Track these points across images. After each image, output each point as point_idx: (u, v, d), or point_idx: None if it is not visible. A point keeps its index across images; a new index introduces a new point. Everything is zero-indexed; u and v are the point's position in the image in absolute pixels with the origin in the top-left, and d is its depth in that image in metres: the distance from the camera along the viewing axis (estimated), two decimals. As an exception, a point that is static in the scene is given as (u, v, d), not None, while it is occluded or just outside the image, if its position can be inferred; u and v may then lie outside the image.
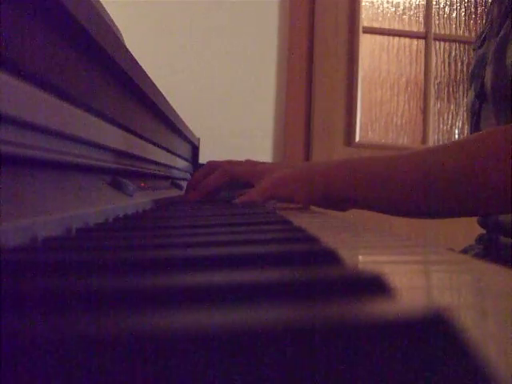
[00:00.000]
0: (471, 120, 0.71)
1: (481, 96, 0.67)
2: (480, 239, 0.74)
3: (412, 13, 1.88)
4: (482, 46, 0.72)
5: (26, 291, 0.13)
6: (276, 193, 0.59)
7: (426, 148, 0.57)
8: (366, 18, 1.83)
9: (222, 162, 0.73)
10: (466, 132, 1.87)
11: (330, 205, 0.60)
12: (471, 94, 0.73)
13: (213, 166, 0.72)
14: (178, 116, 0.94)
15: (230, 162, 0.72)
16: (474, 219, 0.75)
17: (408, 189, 0.52)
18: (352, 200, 0.57)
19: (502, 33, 0.63)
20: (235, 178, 0.69)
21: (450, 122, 1.90)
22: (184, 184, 1.10)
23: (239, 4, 1.73)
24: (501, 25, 0.64)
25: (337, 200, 0.57)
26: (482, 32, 0.74)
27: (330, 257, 0.19)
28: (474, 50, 0.77)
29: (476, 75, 0.71)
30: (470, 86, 0.74)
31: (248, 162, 0.71)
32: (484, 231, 0.74)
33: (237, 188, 0.72)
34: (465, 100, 1.89)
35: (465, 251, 0.75)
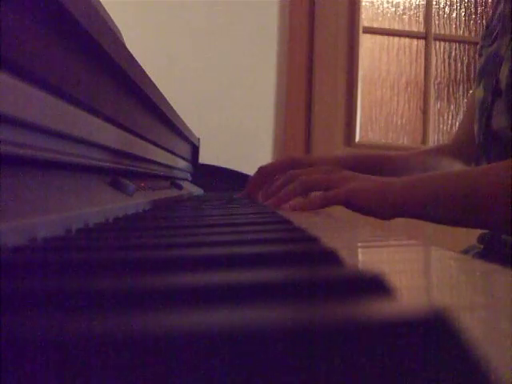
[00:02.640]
0: (480, 117, 0.71)
1: (495, 92, 0.67)
2: (481, 238, 0.74)
3: (412, 13, 1.88)
4: (493, 43, 0.72)
5: (26, 291, 0.13)
6: (348, 201, 0.59)
7: (465, 171, 0.65)
8: (366, 18, 1.83)
9: (298, 171, 0.68)
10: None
11: (391, 217, 0.63)
12: (480, 91, 0.72)
13: (281, 166, 0.74)
14: (178, 116, 0.94)
15: (306, 172, 0.67)
16: None
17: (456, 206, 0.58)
18: (416, 215, 0.61)
19: None
20: (310, 191, 0.66)
21: (449, 121, 1.90)
22: (184, 184, 1.10)
23: (239, 4, 1.73)
24: None
25: (406, 216, 0.62)
26: (493, 30, 0.74)
27: (330, 257, 0.19)
28: (482, 47, 0.77)
29: (488, 72, 0.71)
30: (479, 83, 0.74)
31: (319, 170, 0.68)
32: (485, 230, 0.74)
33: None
34: (464, 100, 1.89)
35: (466, 251, 0.75)
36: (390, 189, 0.60)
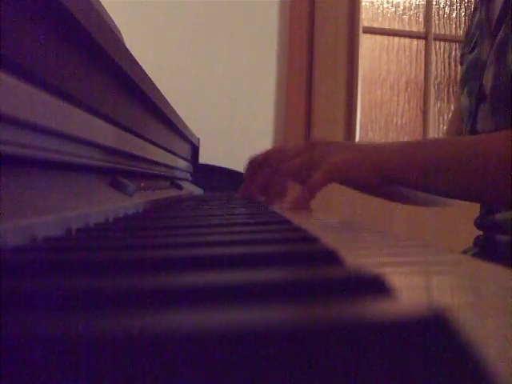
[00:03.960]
0: (467, 121, 0.72)
1: (479, 97, 0.68)
2: (477, 241, 0.74)
3: (412, 13, 1.88)
4: (472, 50, 0.73)
5: (26, 291, 0.13)
6: (336, 177, 0.57)
7: (463, 138, 0.60)
8: (366, 18, 1.83)
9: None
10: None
11: (379, 186, 0.59)
12: (464, 97, 0.74)
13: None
14: (178, 116, 0.94)
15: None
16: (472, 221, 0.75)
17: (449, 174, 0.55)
18: (406, 182, 0.58)
19: (500, 34, 0.64)
20: (293, 179, 0.64)
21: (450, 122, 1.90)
22: (184, 184, 1.10)
23: (239, 4, 1.73)
24: (496, 27, 0.66)
25: (391, 182, 0.58)
26: (472, 37, 0.75)
27: (331, 257, 0.19)
28: (462, 55, 0.78)
29: (470, 79, 0.72)
30: (462, 90, 0.75)
31: (299, 150, 0.64)
32: (481, 233, 0.74)
33: None
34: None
35: (464, 253, 0.75)
36: (379, 155, 0.57)
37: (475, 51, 0.72)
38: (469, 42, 0.76)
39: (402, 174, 0.57)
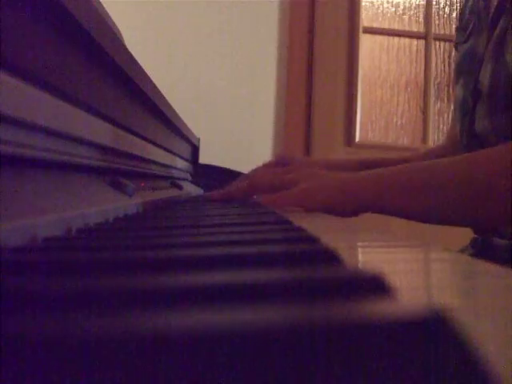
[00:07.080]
0: (463, 119, 0.70)
1: (475, 94, 0.65)
2: (474, 242, 0.74)
3: (412, 13, 1.88)
4: (468, 39, 0.70)
5: (27, 291, 0.13)
6: (303, 202, 0.58)
7: (452, 159, 0.59)
8: (366, 18, 1.83)
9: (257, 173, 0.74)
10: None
11: (354, 213, 0.60)
12: (459, 89, 0.71)
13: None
14: (178, 116, 0.94)
15: (259, 175, 0.71)
16: None
17: (433, 199, 0.55)
18: (381, 209, 0.59)
19: (498, 30, 0.61)
20: (259, 191, 0.67)
21: (449, 121, 1.90)
22: (184, 184, 1.10)
23: (239, 4, 1.73)
24: (493, 21, 0.63)
25: (366, 210, 0.59)
26: (467, 24, 0.72)
27: (330, 257, 0.19)
28: (456, 43, 0.75)
29: (466, 71, 0.69)
30: (457, 80, 0.72)
31: (277, 174, 0.68)
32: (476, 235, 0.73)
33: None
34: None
35: (461, 252, 0.75)
36: (350, 183, 0.58)
37: (470, 41, 0.69)
38: (463, 30, 0.73)
39: (377, 201, 0.57)
